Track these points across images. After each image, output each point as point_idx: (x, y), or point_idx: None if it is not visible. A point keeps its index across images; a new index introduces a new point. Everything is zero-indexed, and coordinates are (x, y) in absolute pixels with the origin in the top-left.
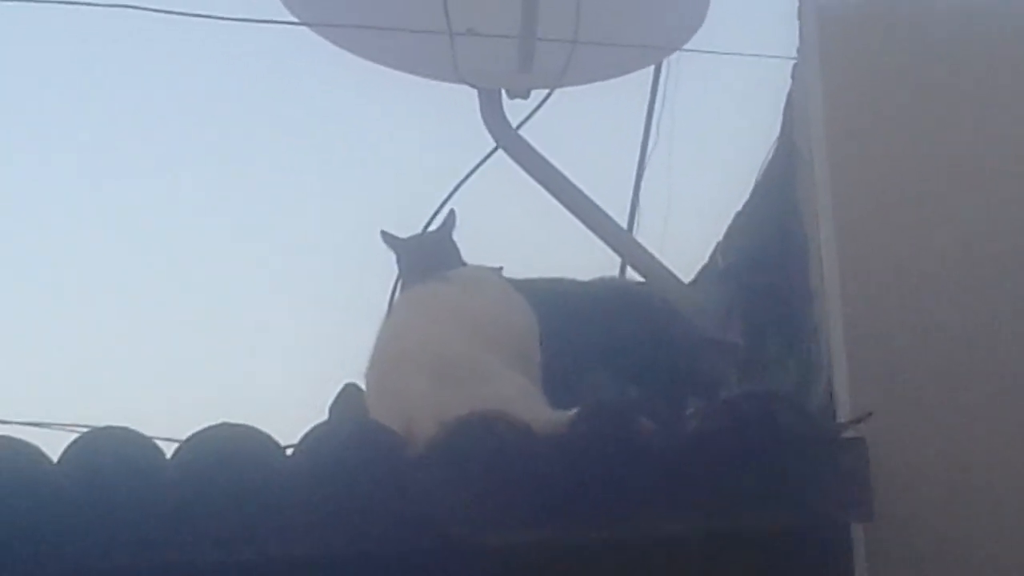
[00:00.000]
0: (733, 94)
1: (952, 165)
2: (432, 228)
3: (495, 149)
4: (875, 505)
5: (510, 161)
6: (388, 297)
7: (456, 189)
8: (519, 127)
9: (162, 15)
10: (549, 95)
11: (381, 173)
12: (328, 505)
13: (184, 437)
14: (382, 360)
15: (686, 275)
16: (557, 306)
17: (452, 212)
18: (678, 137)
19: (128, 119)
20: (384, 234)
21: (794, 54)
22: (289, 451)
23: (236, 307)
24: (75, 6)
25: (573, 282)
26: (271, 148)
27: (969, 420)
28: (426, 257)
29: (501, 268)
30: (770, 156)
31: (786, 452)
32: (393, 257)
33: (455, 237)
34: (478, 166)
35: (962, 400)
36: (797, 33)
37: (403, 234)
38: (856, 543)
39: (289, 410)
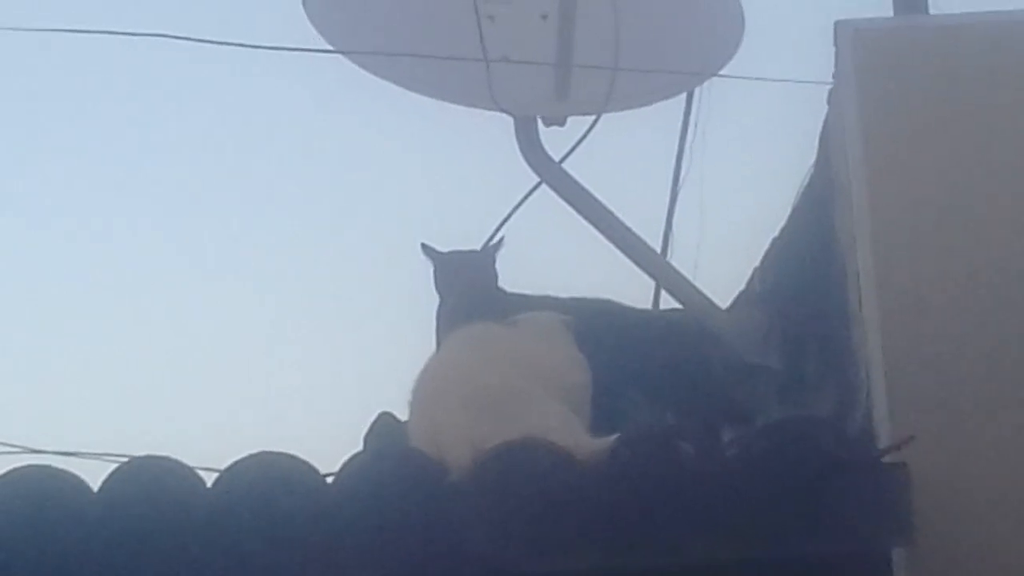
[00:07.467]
0: (769, 119)
1: (991, 187)
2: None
3: (538, 184)
4: (916, 530)
5: (546, 188)
6: (430, 324)
7: (503, 223)
8: (562, 160)
9: (195, 44)
10: (593, 126)
11: (418, 201)
12: (369, 533)
13: (224, 466)
14: (423, 389)
15: (721, 301)
16: (598, 328)
17: (502, 238)
18: (714, 162)
19: (168, 147)
20: (424, 246)
21: (830, 79)
22: (328, 479)
23: (272, 337)
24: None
25: (615, 304)
26: (308, 178)
27: (1010, 443)
28: (463, 274)
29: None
30: (807, 181)
31: (827, 477)
32: (431, 271)
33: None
34: (521, 202)
35: (1002, 423)
36: (833, 58)
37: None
38: (897, 568)
39: (320, 440)
